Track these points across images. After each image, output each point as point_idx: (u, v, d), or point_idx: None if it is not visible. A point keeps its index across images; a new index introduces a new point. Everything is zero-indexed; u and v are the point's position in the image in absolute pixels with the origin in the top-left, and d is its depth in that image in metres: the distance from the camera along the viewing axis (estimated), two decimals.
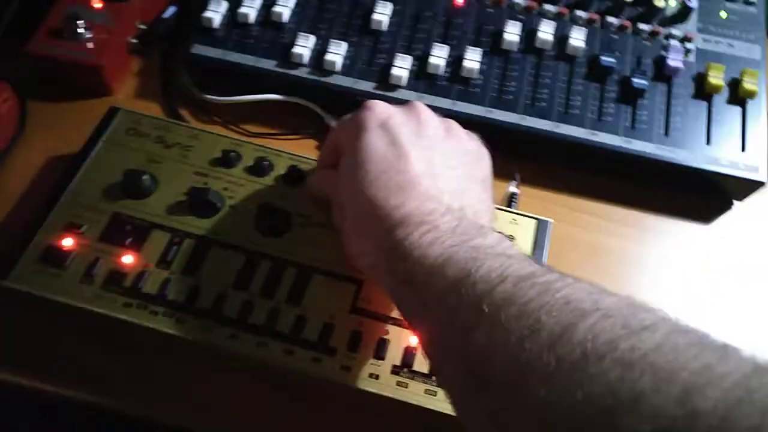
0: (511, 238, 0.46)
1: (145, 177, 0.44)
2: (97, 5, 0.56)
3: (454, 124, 0.43)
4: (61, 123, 0.54)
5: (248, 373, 0.42)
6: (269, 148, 0.49)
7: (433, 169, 0.38)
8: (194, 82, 0.56)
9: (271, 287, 0.42)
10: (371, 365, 0.40)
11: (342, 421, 0.42)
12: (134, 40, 0.57)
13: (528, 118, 0.53)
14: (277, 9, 0.55)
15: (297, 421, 0.42)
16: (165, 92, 0.57)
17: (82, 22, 0.53)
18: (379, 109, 0.41)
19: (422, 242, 0.34)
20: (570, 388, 0.25)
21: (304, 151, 0.50)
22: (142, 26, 0.58)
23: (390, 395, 0.39)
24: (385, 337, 0.41)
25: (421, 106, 0.42)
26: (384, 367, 0.40)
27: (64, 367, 0.43)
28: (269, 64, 0.54)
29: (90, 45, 0.53)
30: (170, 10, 0.60)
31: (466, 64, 0.54)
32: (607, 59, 0.55)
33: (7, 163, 0.51)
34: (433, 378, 0.40)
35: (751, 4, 0.61)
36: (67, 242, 0.43)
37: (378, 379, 0.40)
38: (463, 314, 0.30)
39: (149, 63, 0.59)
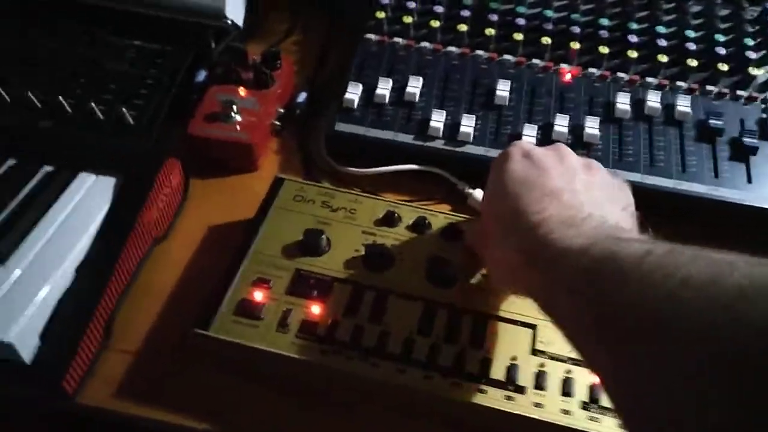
0: None
1: (323, 236, 0.48)
2: (243, 93, 0.62)
3: (596, 163, 0.44)
4: (216, 196, 0.58)
5: (433, 420, 0.44)
6: (425, 208, 0.52)
7: (574, 186, 0.40)
8: (331, 157, 0.61)
9: (453, 333, 0.44)
10: (561, 402, 0.42)
11: None
12: (276, 122, 0.63)
13: (649, 177, 0.57)
14: (409, 90, 0.61)
15: None
16: (305, 166, 0.62)
17: (236, 107, 0.59)
18: (523, 144, 0.45)
19: (565, 235, 0.35)
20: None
21: None
22: (281, 110, 0.64)
23: (583, 429, 0.41)
24: (569, 375, 0.43)
25: (564, 146, 0.45)
26: (573, 403, 0.42)
27: (254, 423, 0.45)
28: (406, 138, 0.59)
29: (241, 127, 0.59)
30: (302, 95, 0.66)
31: (588, 130, 0.59)
32: (715, 122, 0.60)
33: (172, 233, 0.55)
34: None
35: None
36: (258, 296, 0.46)
37: (570, 414, 0.41)
38: (608, 284, 0.30)
39: (286, 142, 0.64)
